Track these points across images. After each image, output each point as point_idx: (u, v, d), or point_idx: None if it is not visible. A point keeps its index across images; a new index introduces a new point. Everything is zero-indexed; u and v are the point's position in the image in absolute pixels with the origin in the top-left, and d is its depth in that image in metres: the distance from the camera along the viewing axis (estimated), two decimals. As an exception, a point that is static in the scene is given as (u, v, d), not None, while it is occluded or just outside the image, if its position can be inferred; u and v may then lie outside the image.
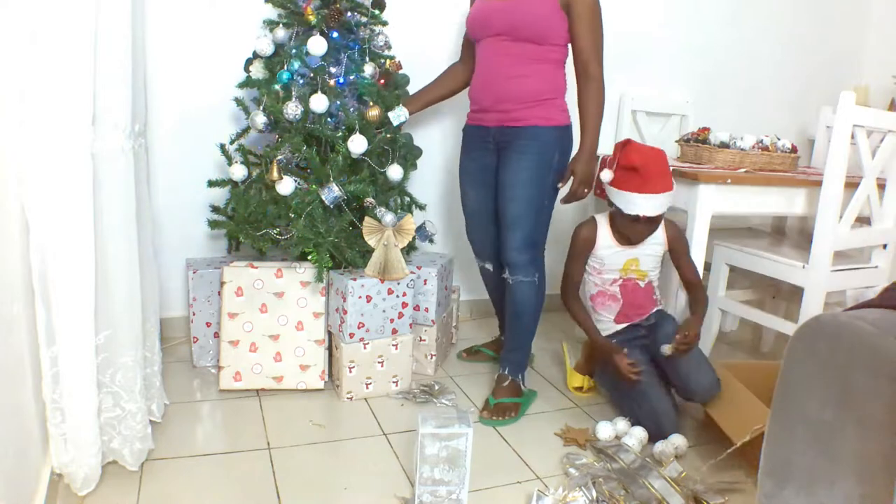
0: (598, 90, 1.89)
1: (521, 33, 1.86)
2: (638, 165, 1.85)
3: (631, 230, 1.95)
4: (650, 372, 1.94)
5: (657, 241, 2.01)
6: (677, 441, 1.82)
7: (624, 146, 1.92)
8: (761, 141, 2.33)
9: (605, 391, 2.15)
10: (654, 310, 2.05)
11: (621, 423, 1.90)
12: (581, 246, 2.04)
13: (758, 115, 3.19)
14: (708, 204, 2.09)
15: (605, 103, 1.91)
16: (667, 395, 1.93)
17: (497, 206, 2.01)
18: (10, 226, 1.26)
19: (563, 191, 1.98)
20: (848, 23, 3.41)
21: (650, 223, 1.93)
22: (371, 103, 2.00)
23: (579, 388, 2.20)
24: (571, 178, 1.92)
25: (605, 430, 1.87)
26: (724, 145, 2.31)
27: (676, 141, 2.66)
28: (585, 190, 1.94)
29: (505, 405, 1.99)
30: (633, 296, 2.02)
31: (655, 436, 1.86)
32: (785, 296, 2.63)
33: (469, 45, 2.10)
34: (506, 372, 2.05)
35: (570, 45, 1.92)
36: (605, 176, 1.93)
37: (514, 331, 2.05)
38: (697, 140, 2.40)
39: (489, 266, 2.21)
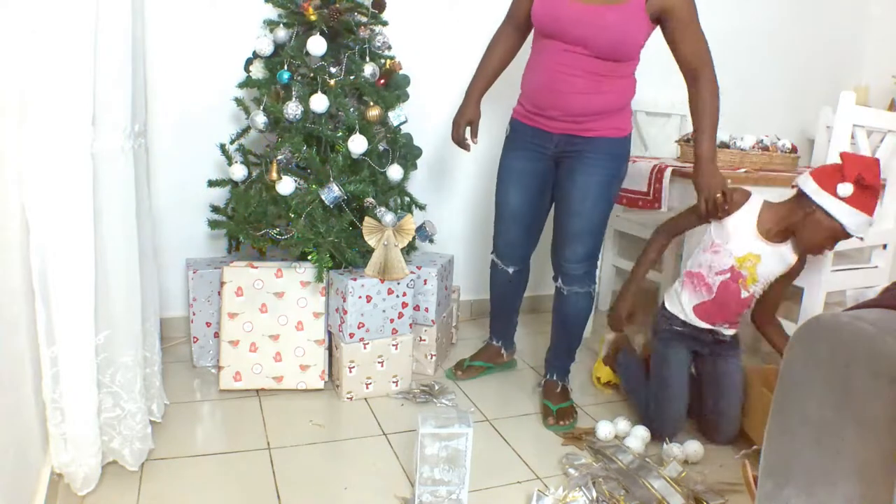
0: (713, 94, 1.77)
1: (604, 51, 1.72)
2: (877, 187, 1.70)
3: (819, 246, 1.79)
4: (682, 378, 1.89)
5: (790, 255, 1.84)
6: (693, 447, 1.81)
7: (872, 166, 1.73)
8: (761, 141, 2.33)
9: (624, 382, 2.14)
10: (732, 331, 1.92)
11: (622, 423, 1.90)
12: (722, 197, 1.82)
13: (758, 115, 3.19)
14: (708, 204, 2.09)
15: (720, 107, 1.79)
16: (685, 400, 1.88)
17: (541, 216, 2.00)
18: (10, 225, 1.26)
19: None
20: (848, 23, 3.41)
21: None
22: (371, 103, 2.01)
23: (607, 383, 2.22)
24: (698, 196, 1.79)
25: (605, 429, 1.87)
26: (724, 145, 2.31)
27: (676, 141, 2.66)
28: (719, 202, 1.77)
29: (566, 410, 2.00)
30: (729, 298, 1.84)
31: (654, 431, 1.86)
32: (785, 296, 2.62)
33: (521, 13, 1.89)
34: (555, 378, 2.07)
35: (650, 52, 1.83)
36: (845, 190, 1.70)
37: (564, 338, 2.05)
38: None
39: (511, 270, 2.09)
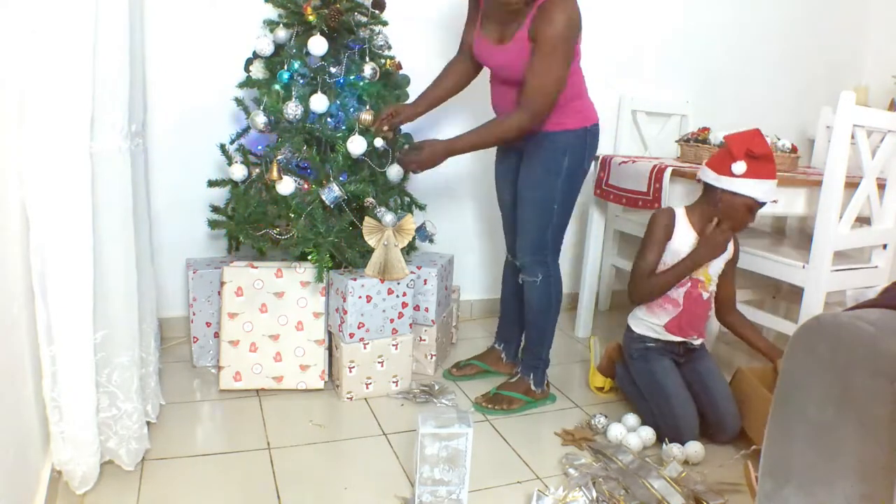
0: (504, 128, 1.83)
1: (508, 79, 1.87)
2: (766, 153, 1.82)
3: (740, 222, 1.90)
4: (678, 381, 1.91)
5: (728, 247, 1.96)
6: (694, 448, 1.81)
7: (756, 135, 1.85)
8: (761, 141, 2.32)
9: (626, 393, 2.12)
10: (700, 340, 2.00)
11: (632, 420, 1.92)
12: (661, 233, 1.94)
13: (758, 115, 3.19)
14: (708, 204, 2.09)
15: (517, 135, 1.83)
16: (691, 402, 1.89)
17: None
18: (10, 225, 1.26)
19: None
20: (848, 23, 3.41)
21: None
22: (367, 107, 2.00)
23: (600, 389, 2.20)
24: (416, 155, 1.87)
25: (616, 430, 1.87)
26: (723, 145, 2.31)
27: (676, 141, 2.66)
28: (414, 167, 1.90)
29: (503, 397, 2.03)
30: (695, 307, 1.95)
31: (671, 437, 1.85)
32: (785, 296, 2.62)
33: (466, 45, 2.03)
34: (519, 369, 2.10)
35: (576, 46, 1.83)
36: (740, 168, 1.82)
37: (526, 330, 2.10)
38: (697, 140, 2.41)
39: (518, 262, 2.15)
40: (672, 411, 1.86)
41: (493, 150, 2.15)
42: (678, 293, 1.94)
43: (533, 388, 2.07)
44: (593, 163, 2.54)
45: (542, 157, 1.92)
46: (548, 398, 2.11)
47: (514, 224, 2.07)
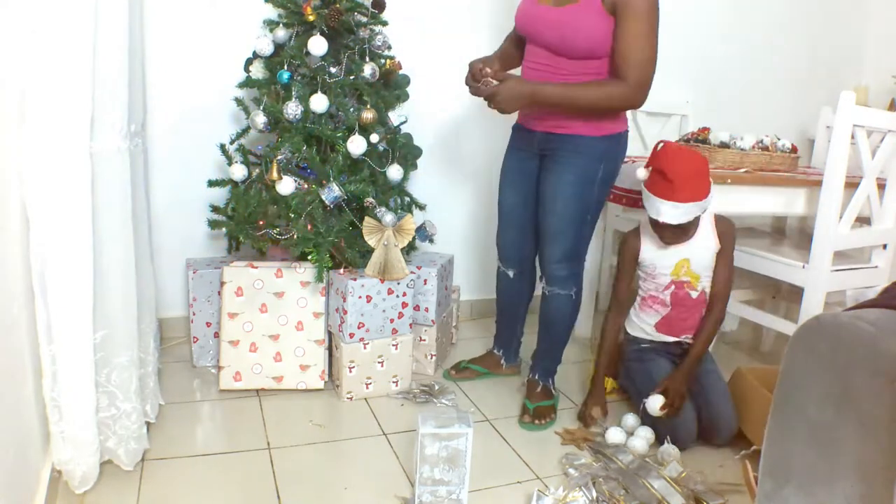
0: (607, 94, 1.70)
1: (571, 51, 1.71)
2: (667, 171, 1.77)
3: (659, 234, 1.90)
4: (669, 367, 1.92)
5: (707, 238, 1.93)
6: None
7: (661, 149, 1.83)
8: (761, 141, 2.33)
9: (628, 392, 2.12)
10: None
11: (630, 420, 1.91)
12: (626, 255, 1.98)
13: (758, 115, 3.19)
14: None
15: (607, 106, 1.73)
16: (691, 408, 1.87)
17: (536, 216, 1.94)
18: (11, 225, 1.26)
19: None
20: (848, 23, 3.41)
21: (679, 230, 1.85)
22: (368, 105, 2.00)
23: (605, 389, 2.17)
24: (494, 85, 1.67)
25: (617, 435, 1.85)
26: (724, 145, 2.31)
27: (676, 141, 2.66)
28: (488, 99, 1.68)
29: (543, 409, 1.98)
30: (683, 306, 1.95)
31: (669, 438, 1.84)
32: (785, 296, 2.62)
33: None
34: (536, 377, 2.05)
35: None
36: (640, 174, 1.85)
37: (545, 339, 2.04)
38: (697, 140, 2.40)
39: (511, 272, 2.10)
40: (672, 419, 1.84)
41: (496, 149, 2.08)
42: (665, 295, 1.95)
43: (553, 390, 2.07)
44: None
45: (578, 164, 1.81)
46: (557, 397, 2.10)
47: (519, 232, 2.03)
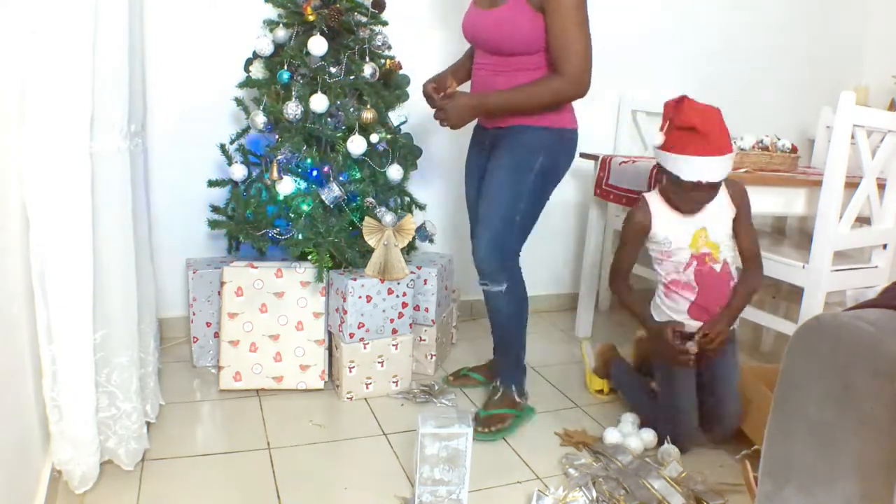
0: (546, 89, 1.71)
1: (508, 49, 1.75)
2: (697, 125, 1.64)
3: (688, 200, 1.74)
4: (689, 382, 1.83)
5: (722, 204, 1.79)
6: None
7: (678, 104, 1.70)
8: (761, 141, 2.33)
9: (623, 391, 2.10)
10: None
11: (627, 426, 1.90)
12: (632, 231, 1.84)
13: (758, 115, 3.19)
14: (708, 204, 2.08)
15: (551, 101, 1.73)
16: (695, 407, 1.83)
17: None
18: (11, 225, 1.26)
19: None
20: (848, 23, 3.41)
21: (711, 189, 1.72)
22: (368, 105, 2.00)
23: (600, 391, 2.18)
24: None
25: (613, 436, 1.85)
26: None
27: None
28: (443, 120, 1.74)
29: (494, 417, 1.89)
30: (710, 282, 1.79)
31: (667, 433, 1.83)
32: (785, 296, 2.62)
33: None
34: (498, 383, 1.98)
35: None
36: (658, 139, 1.73)
37: (496, 340, 1.99)
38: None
39: None
40: (675, 407, 1.82)
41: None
42: (688, 275, 1.80)
43: (518, 399, 1.96)
44: (594, 163, 2.54)
45: (517, 150, 1.80)
46: (529, 409, 2.01)
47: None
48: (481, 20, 1.79)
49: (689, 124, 1.66)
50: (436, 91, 1.78)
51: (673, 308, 1.84)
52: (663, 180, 1.78)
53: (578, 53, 1.67)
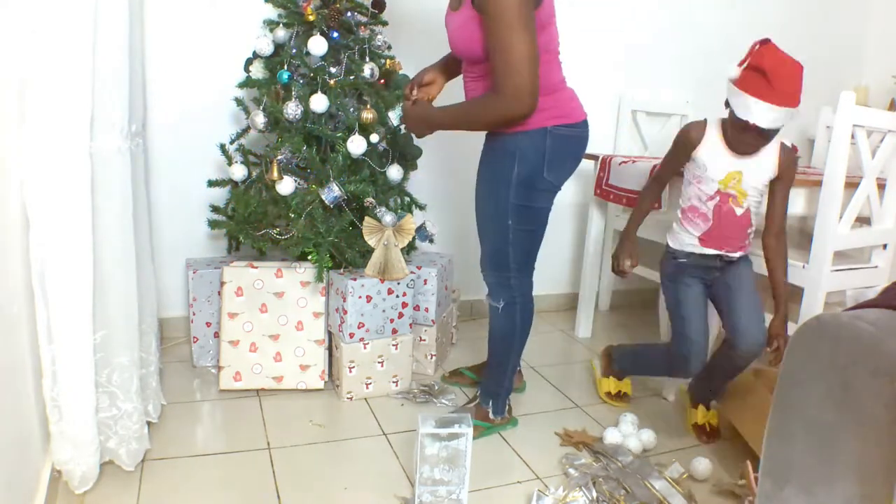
0: (486, 106, 1.58)
1: (464, 54, 1.64)
2: (767, 70, 1.63)
3: (736, 140, 1.76)
4: (699, 310, 1.88)
5: (769, 161, 1.80)
6: (702, 465, 1.76)
7: (762, 45, 1.68)
8: (761, 141, 2.32)
9: (631, 368, 2.14)
10: (739, 253, 1.87)
11: (627, 426, 1.90)
12: (682, 145, 1.85)
13: (758, 115, 3.19)
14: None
15: (495, 121, 1.59)
16: (705, 332, 1.86)
17: None
18: (11, 225, 1.26)
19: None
20: (848, 23, 3.41)
21: (760, 137, 1.72)
22: (368, 105, 2.00)
23: (610, 394, 2.15)
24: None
25: (613, 436, 1.85)
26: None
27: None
28: (409, 126, 1.73)
29: None
30: (726, 222, 1.83)
31: (679, 372, 1.90)
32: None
33: None
34: (477, 394, 1.97)
35: (540, 35, 1.56)
36: (732, 72, 1.70)
37: (488, 351, 1.91)
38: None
39: None
40: (684, 335, 1.85)
41: None
42: (708, 206, 1.84)
43: (491, 416, 1.89)
44: (594, 163, 2.54)
45: (490, 162, 1.71)
46: (510, 423, 1.94)
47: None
48: (449, 23, 1.66)
49: (760, 66, 1.65)
50: (411, 91, 1.75)
51: (687, 232, 1.88)
52: (728, 114, 1.78)
53: (509, 69, 1.47)
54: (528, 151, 1.64)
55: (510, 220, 1.70)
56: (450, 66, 1.88)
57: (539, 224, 1.75)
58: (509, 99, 1.50)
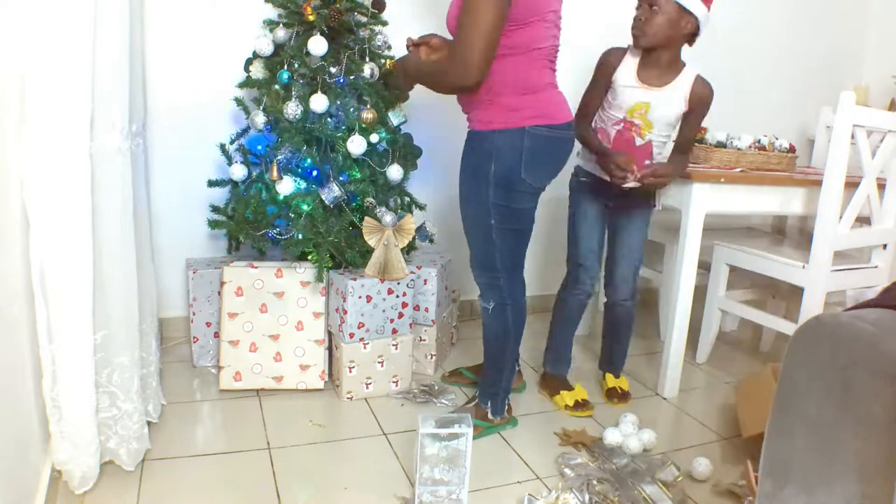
0: (444, 71, 1.62)
1: (451, 32, 1.64)
2: None
3: (634, 23, 1.84)
4: (591, 231, 2.02)
5: (679, 94, 1.88)
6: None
7: None
8: (758, 141, 2.33)
9: (561, 328, 2.20)
10: (632, 183, 1.86)
11: (628, 426, 1.90)
12: (603, 69, 1.93)
13: (757, 115, 3.19)
14: (701, 203, 2.07)
15: (446, 84, 1.64)
16: (597, 254, 2.03)
17: None
18: (11, 225, 1.26)
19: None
20: (848, 23, 3.41)
21: (649, 18, 1.80)
22: (368, 106, 2.00)
23: (571, 406, 2.05)
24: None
25: (613, 436, 1.84)
26: (720, 145, 2.31)
27: (675, 140, 2.66)
28: (394, 70, 1.84)
29: None
30: (623, 149, 1.89)
31: (572, 291, 2.07)
32: (785, 296, 2.63)
33: None
34: (475, 393, 1.97)
35: (520, 31, 1.58)
36: None
37: (483, 355, 1.90)
38: (696, 140, 2.40)
39: None
40: (572, 258, 2.04)
41: None
42: (612, 130, 1.94)
43: (490, 416, 1.89)
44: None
45: (470, 160, 1.70)
46: (509, 422, 1.93)
47: None
48: (450, 7, 1.67)
49: None
50: (412, 43, 1.81)
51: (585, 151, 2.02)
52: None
53: (467, 37, 1.50)
54: (505, 150, 1.63)
55: (493, 220, 1.69)
56: None
57: (523, 224, 1.74)
58: (458, 67, 1.55)
